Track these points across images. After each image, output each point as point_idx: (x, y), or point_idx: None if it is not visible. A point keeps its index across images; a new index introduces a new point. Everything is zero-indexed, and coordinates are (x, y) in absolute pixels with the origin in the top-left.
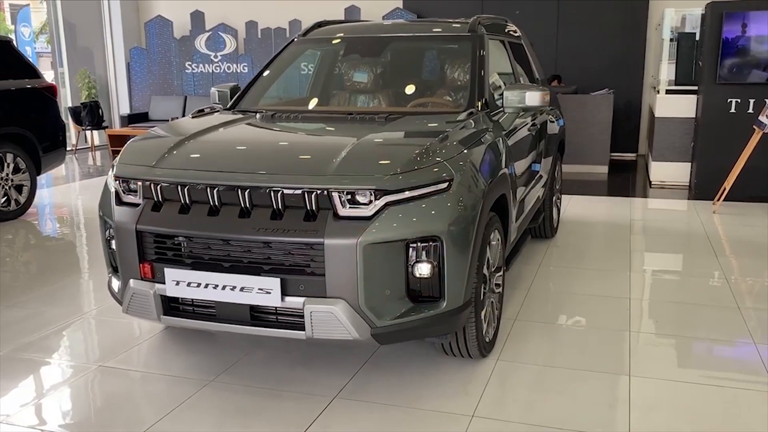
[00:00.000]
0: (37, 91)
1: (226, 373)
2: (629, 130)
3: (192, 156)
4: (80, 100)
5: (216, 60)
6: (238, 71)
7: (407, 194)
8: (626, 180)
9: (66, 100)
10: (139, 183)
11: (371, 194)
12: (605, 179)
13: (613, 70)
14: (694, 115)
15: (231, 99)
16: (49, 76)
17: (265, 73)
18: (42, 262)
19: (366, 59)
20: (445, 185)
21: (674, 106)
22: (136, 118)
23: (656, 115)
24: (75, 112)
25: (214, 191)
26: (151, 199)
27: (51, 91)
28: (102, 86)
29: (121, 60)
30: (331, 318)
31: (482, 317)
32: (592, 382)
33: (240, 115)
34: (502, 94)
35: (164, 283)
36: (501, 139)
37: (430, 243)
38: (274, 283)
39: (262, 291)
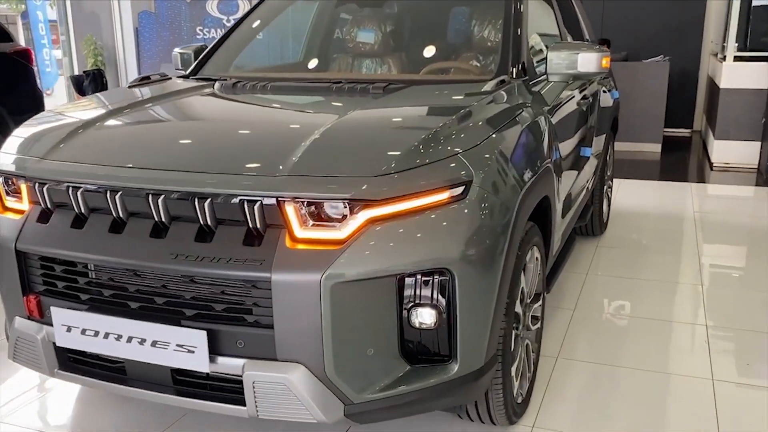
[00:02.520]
0: (8, 57)
1: None
2: (684, 103)
3: (94, 146)
4: (86, 68)
5: (228, 24)
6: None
7: (401, 205)
8: (682, 161)
9: (73, 68)
10: (23, 182)
11: (345, 205)
12: (658, 159)
13: (668, 33)
14: (766, 87)
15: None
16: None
17: (240, 30)
18: None
19: (369, 12)
20: (460, 190)
21: (743, 75)
22: None
23: (721, 86)
24: (78, 81)
25: (116, 197)
26: (38, 205)
27: (25, 56)
28: (109, 53)
29: (129, 25)
30: (283, 391)
31: (513, 374)
32: None
33: (193, 84)
34: (544, 58)
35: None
36: (544, 117)
37: (436, 277)
38: (198, 337)
39: (182, 348)
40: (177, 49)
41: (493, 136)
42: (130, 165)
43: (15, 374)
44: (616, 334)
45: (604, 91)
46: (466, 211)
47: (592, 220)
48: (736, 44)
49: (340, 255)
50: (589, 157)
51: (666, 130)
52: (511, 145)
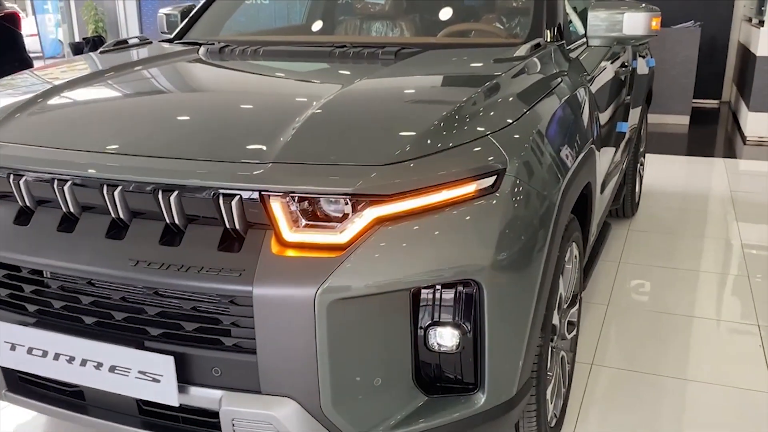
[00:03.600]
0: None
1: None
2: (714, 72)
3: (42, 125)
4: (87, 35)
5: None
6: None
7: (417, 201)
8: (712, 134)
9: (73, 34)
10: None
11: (347, 201)
12: (686, 132)
13: None
14: None
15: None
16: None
17: None
18: None
19: None
20: (491, 181)
21: None
22: None
23: (757, 54)
24: (77, 49)
25: (64, 188)
26: None
27: (12, 20)
28: (111, 20)
29: None
30: (269, 431)
31: (547, 396)
32: None
33: (175, 49)
34: (582, 18)
35: None
36: (584, 89)
37: (460, 290)
38: (164, 363)
39: (145, 376)
40: (162, 10)
41: (528, 113)
42: (83, 149)
43: None
44: (657, 336)
45: (640, 58)
46: (497, 206)
47: (624, 201)
48: None
49: (340, 264)
50: (625, 133)
51: (694, 101)
52: (550, 124)
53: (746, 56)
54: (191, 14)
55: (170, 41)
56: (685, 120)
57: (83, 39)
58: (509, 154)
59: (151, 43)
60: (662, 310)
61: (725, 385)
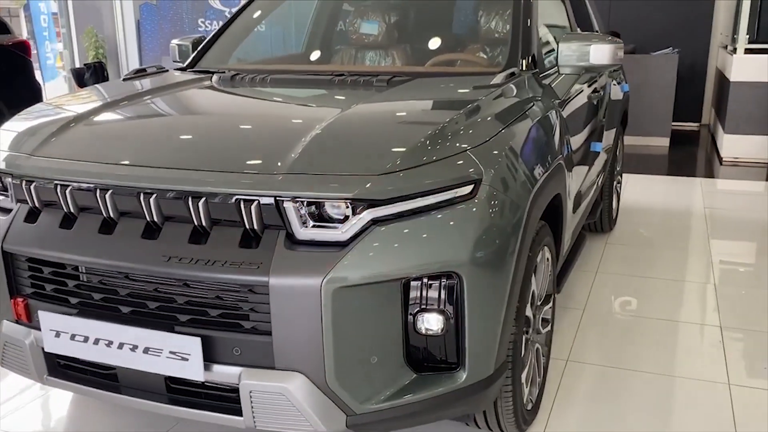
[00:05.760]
0: (6, 49)
1: None
2: (692, 96)
3: (84, 142)
4: (87, 61)
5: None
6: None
7: (407, 205)
8: (691, 155)
9: (74, 60)
10: (10, 179)
11: (348, 205)
12: (666, 154)
13: (676, 25)
14: None
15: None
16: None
17: (240, 21)
18: None
19: (371, 3)
20: (469, 189)
21: (754, 68)
22: None
23: (731, 79)
24: (78, 74)
25: (106, 196)
26: (25, 203)
27: (23, 48)
28: (111, 46)
29: (130, 17)
30: (281, 401)
31: (522, 380)
32: None
33: (190, 77)
34: (553, 51)
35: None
36: (555, 111)
37: (443, 281)
38: (191, 344)
39: (175, 356)
40: (175, 41)
41: (503, 131)
42: (121, 162)
43: (7, 378)
44: (627, 335)
45: (614, 84)
46: (475, 210)
47: (601, 216)
48: (747, 36)
49: (342, 258)
50: (599, 153)
51: (674, 123)
52: (522, 141)
53: (722, 81)
54: (202, 45)
55: (183, 69)
56: (665, 142)
57: (84, 65)
58: (485, 166)
59: (167, 71)
60: (634, 313)
61: (689, 378)
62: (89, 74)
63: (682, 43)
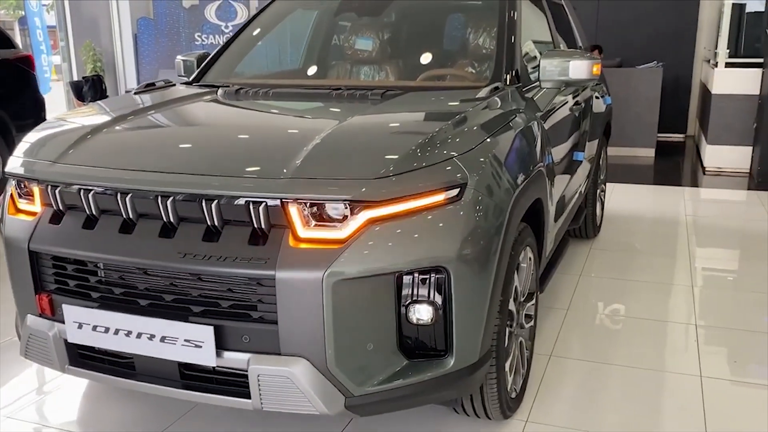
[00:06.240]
0: (10, 63)
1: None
2: (677, 109)
3: (104, 149)
4: (85, 74)
5: (227, 30)
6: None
7: (399, 206)
8: (676, 165)
9: (72, 73)
10: (35, 185)
11: (346, 206)
12: (651, 164)
13: (661, 40)
14: (758, 92)
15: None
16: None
17: (241, 38)
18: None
19: (366, 21)
20: (455, 192)
21: (734, 81)
22: None
23: (713, 92)
24: (77, 87)
25: (126, 199)
26: (50, 207)
27: (27, 62)
28: (108, 59)
29: (128, 31)
30: (286, 384)
31: (506, 369)
32: None
33: (197, 91)
34: (537, 65)
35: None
36: (536, 122)
37: (433, 276)
38: (205, 332)
39: (190, 343)
40: (180, 57)
41: (488, 140)
42: (140, 168)
43: (22, 372)
44: (608, 333)
45: (596, 97)
46: (461, 212)
47: (585, 222)
48: (728, 51)
49: (341, 254)
50: (582, 162)
51: (660, 135)
52: (505, 149)
53: (705, 94)
54: (206, 61)
55: (189, 84)
56: (650, 152)
57: (83, 78)
58: (470, 171)
59: (174, 85)
60: (615, 313)
61: (664, 371)
62: (87, 87)
63: (667, 57)
